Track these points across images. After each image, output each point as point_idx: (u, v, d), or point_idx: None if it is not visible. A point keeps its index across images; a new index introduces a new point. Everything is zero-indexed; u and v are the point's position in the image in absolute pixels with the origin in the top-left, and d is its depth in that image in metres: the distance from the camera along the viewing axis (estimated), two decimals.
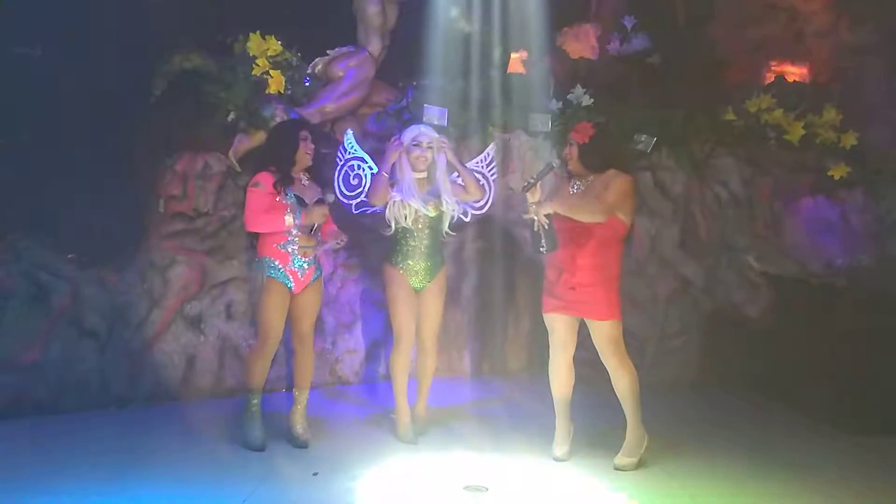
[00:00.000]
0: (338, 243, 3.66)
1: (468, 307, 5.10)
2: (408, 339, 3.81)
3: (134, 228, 4.43)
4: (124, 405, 4.21)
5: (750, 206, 4.84)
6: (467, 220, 4.05)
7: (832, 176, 4.79)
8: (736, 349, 4.73)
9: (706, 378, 4.81)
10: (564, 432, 3.65)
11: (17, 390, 3.97)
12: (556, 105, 4.82)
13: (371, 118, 4.79)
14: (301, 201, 3.55)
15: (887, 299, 4.16)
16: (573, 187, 3.57)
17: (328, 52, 4.78)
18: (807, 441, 3.88)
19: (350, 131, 4.15)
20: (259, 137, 4.45)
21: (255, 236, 3.65)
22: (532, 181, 3.54)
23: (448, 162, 3.80)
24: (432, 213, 3.76)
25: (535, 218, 3.32)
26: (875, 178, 4.84)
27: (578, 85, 4.86)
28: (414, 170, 3.78)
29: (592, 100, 4.82)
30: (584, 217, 3.38)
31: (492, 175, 4.16)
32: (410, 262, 3.78)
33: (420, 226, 3.77)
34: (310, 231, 3.58)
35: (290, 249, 3.57)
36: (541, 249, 3.37)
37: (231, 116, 4.46)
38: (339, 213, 3.91)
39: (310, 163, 3.66)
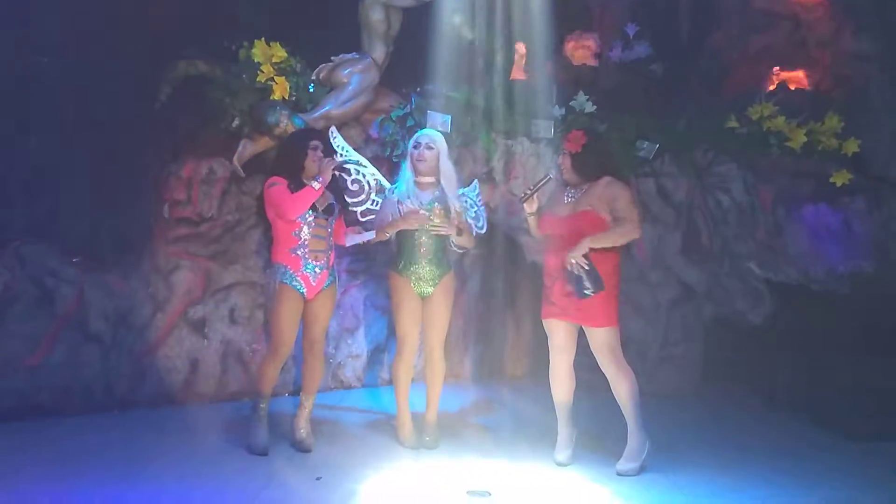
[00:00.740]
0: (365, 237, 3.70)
1: (470, 312, 5.11)
2: (410, 346, 3.80)
3: (139, 233, 4.45)
4: (127, 408, 4.22)
5: (752, 212, 4.84)
6: (483, 231, 4.06)
7: (834, 183, 4.79)
8: (738, 356, 4.73)
9: (709, 385, 4.81)
10: (567, 437, 3.65)
11: (22, 393, 3.99)
12: (559, 111, 4.84)
13: (374, 124, 4.81)
14: (312, 206, 3.58)
15: (890, 305, 4.16)
16: (567, 195, 3.58)
17: (332, 58, 4.81)
18: (813, 448, 3.85)
19: (334, 129, 4.11)
20: (263, 143, 4.48)
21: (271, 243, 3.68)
22: (529, 192, 3.56)
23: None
24: (437, 221, 3.73)
25: (574, 261, 3.31)
26: (877, 185, 4.84)
27: (581, 92, 4.88)
28: (416, 172, 3.79)
29: (595, 107, 4.84)
30: (620, 241, 3.43)
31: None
32: (415, 269, 3.76)
33: (423, 232, 3.74)
34: (325, 219, 3.59)
35: (301, 254, 3.60)
36: (585, 292, 3.33)
37: (236, 122, 4.49)
38: (348, 217, 3.93)
39: (318, 171, 3.66)
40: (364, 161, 4.09)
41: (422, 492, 3.27)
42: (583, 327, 3.53)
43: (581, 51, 5.25)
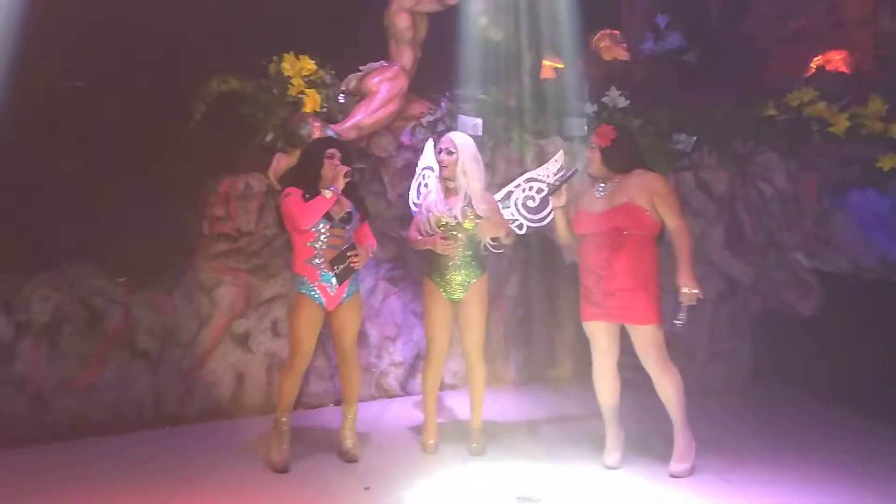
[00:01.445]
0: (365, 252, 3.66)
1: (510, 316, 5.07)
2: (437, 351, 3.79)
3: (180, 250, 4.53)
4: (177, 423, 4.29)
5: (796, 202, 4.72)
6: (522, 232, 4.03)
7: (881, 167, 4.64)
8: (789, 350, 4.61)
9: (760, 380, 4.69)
10: (615, 440, 3.60)
11: (76, 412, 4.08)
12: (591, 108, 4.78)
13: (406, 131, 4.82)
14: (327, 215, 3.56)
15: None
16: (598, 190, 3.53)
17: (361, 68, 4.83)
18: (873, 442, 3.73)
19: (431, 140, 4.18)
20: (297, 156, 4.52)
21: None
22: (556, 184, 3.53)
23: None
24: (468, 226, 3.69)
25: (694, 292, 3.35)
26: None
27: (613, 87, 4.81)
28: (441, 177, 3.77)
29: (628, 101, 4.77)
30: (689, 248, 3.43)
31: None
32: (443, 274, 3.73)
33: (451, 236, 3.68)
34: (342, 229, 3.59)
35: (316, 264, 3.60)
36: (675, 322, 3.33)
37: (269, 136, 4.54)
38: (384, 226, 3.93)
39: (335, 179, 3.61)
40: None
41: (471, 499, 3.25)
42: (625, 326, 3.47)
43: (612, 45, 5.19)
